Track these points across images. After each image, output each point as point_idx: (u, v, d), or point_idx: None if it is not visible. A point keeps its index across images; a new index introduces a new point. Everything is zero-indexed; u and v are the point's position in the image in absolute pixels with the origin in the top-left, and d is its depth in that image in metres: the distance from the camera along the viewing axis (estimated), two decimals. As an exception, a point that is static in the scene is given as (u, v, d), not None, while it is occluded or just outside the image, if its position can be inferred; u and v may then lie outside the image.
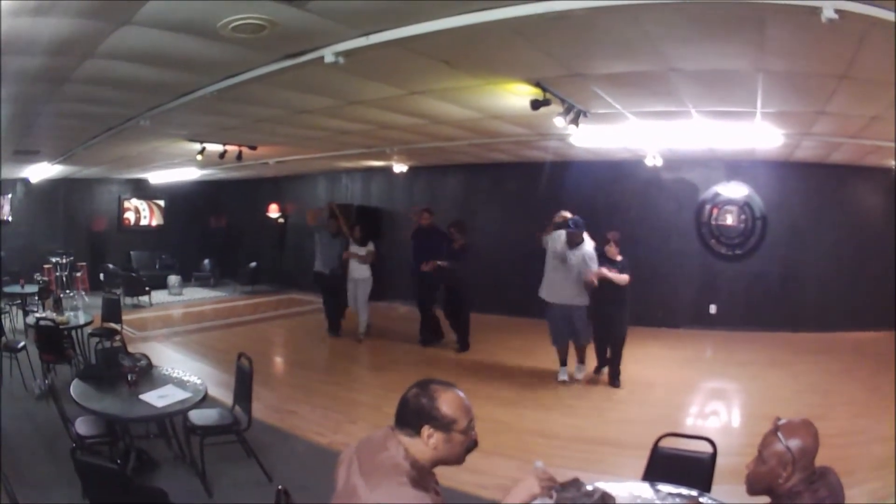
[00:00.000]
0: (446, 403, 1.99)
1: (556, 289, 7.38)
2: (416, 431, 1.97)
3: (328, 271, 10.17)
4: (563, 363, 7.61)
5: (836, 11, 3.00)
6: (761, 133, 7.25)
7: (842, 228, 10.45)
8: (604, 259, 7.24)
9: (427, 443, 1.97)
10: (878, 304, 10.09)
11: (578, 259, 7.15)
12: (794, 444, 2.05)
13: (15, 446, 5.01)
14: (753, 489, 2.18)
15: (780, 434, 2.10)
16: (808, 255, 10.56)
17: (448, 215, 10.74)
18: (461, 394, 2.04)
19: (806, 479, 2.06)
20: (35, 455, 4.98)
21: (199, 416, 4.67)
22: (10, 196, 13.97)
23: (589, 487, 2.40)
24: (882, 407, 6.25)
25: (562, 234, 7.25)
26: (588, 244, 7.20)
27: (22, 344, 7.22)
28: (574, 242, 7.17)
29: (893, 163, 9.10)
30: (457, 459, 2.04)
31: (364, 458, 1.99)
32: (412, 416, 1.99)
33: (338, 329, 10.36)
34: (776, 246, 10.71)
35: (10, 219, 14.01)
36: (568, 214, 7.34)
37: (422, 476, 1.96)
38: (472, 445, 2.05)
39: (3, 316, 9.68)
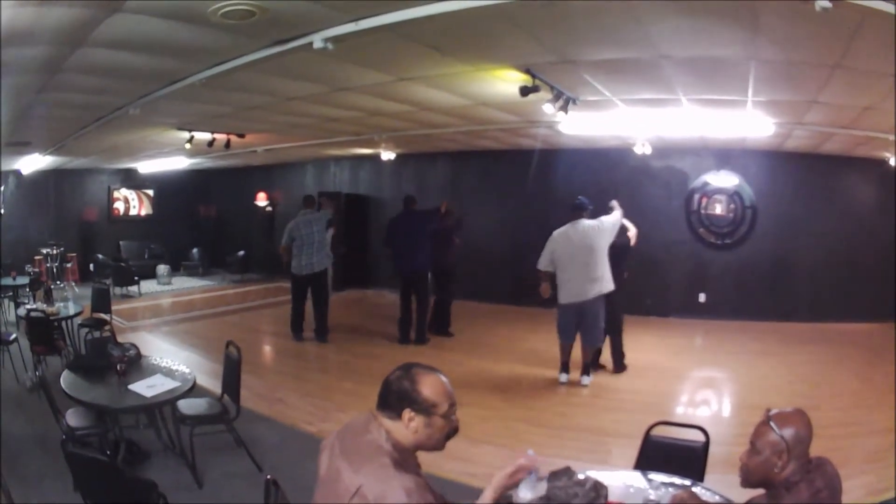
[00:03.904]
0: (428, 387, 1.99)
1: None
2: (398, 414, 1.98)
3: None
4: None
5: (831, 0, 2.98)
6: (752, 122, 7.24)
7: (832, 219, 10.48)
8: None
9: (408, 426, 1.97)
10: (869, 295, 10.19)
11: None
12: (788, 432, 2.04)
13: (8, 439, 4.96)
14: (749, 481, 2.16)
15: (772, 423, 2.08)
16: (798, 245, 10.60)
17: (436, 203, 10.72)
18: (444, 378, 2.04)
19: (801, 468, 2.05)
20: (28, 447, 4.95)
21: (188, 406, 4.65)
22: (2, 188, 13.85)
23: (581, 476, 2.40)
24: (875, 398, 6.30)
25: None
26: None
27: (13, 336, 7.15)
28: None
29: (888, 155, 9.09)
30: (437, 445, 2.04)
31: (346, 442, 1.99)
32: (394, 399, 1.99)
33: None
34: (766, 236, 10.74)
35: (2, 211, 13.89)
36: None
37: (404, 459, 1.95)
38: (452, 432, 2.06)
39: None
